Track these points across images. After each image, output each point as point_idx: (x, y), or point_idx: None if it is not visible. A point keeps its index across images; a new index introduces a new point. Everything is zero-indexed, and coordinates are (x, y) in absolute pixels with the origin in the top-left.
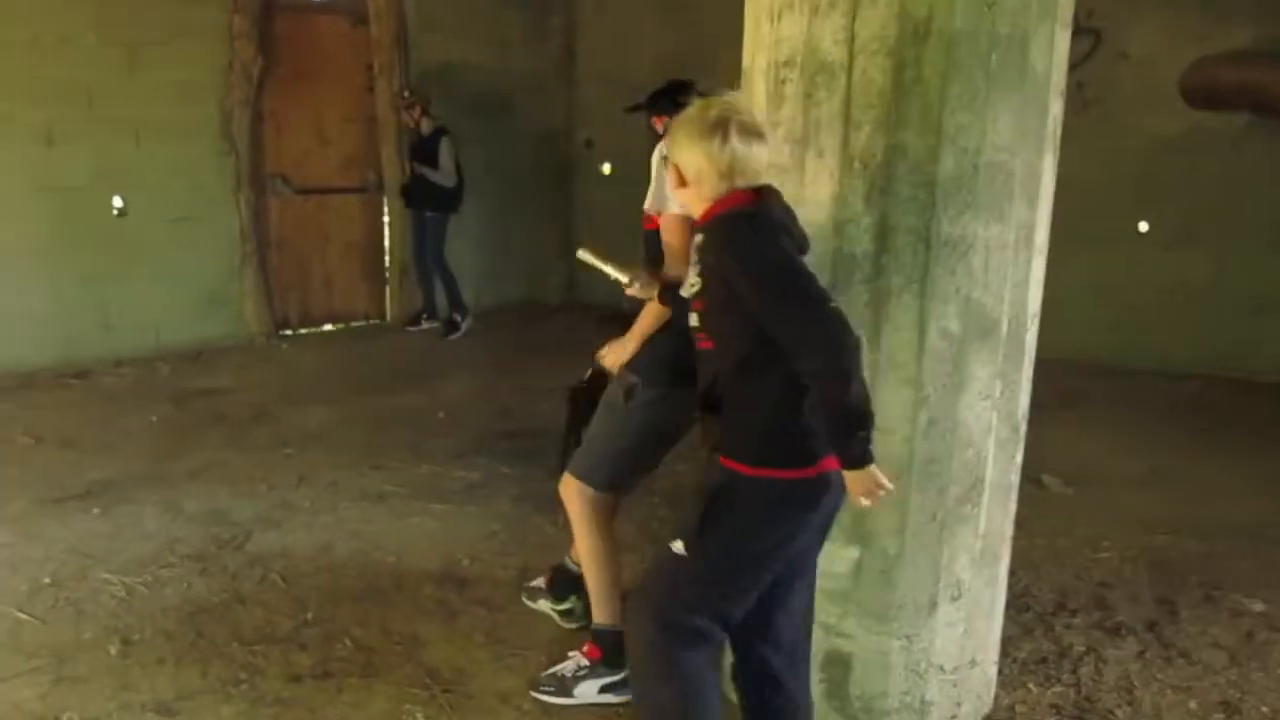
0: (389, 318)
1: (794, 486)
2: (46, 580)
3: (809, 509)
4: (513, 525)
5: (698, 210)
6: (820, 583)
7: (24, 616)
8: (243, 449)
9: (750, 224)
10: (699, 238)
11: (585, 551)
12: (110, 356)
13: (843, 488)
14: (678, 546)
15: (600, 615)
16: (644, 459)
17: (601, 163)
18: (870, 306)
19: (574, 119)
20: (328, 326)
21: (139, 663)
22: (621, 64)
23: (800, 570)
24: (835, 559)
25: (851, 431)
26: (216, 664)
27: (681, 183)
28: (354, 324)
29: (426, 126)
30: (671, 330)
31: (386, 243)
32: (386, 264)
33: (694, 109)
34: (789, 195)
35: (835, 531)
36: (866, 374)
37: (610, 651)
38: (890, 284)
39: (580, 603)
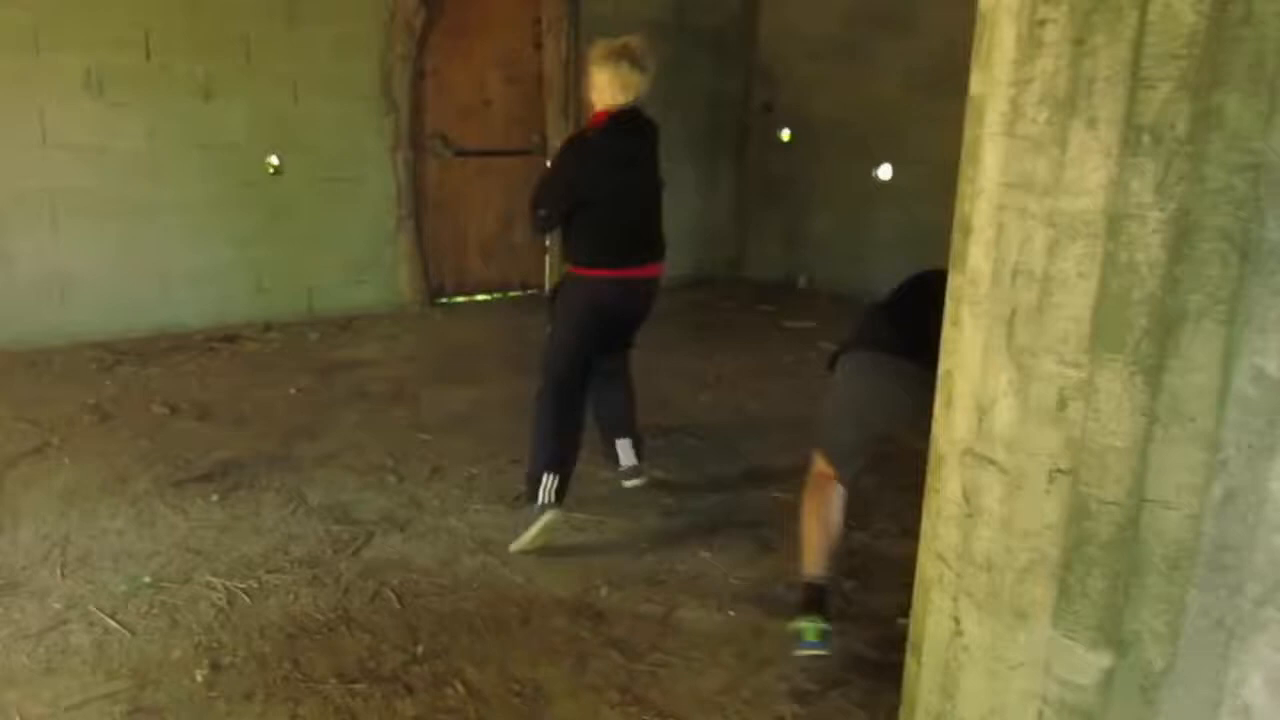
0: (547, 289)
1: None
2: (147, 580)
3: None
4: (662, 546)
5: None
6: (1059, 693)
7: (114, 624)
8: (379, 430)
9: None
10: None
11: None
12: (261, 320)
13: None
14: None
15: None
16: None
17: (780, 128)
18: (1151, 335)
19: (752, 80)
20: (482, 296)
21: (224, 695)
22: (809, 21)
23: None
24: (1079, 666)
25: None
26: (309, 703)
27: None
28: (511, 294)
29: None
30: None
31: None
32: None
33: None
34: (1039, 175)
35: (1080, 630)
36: (1142, 421)
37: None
38: (1185, 305)
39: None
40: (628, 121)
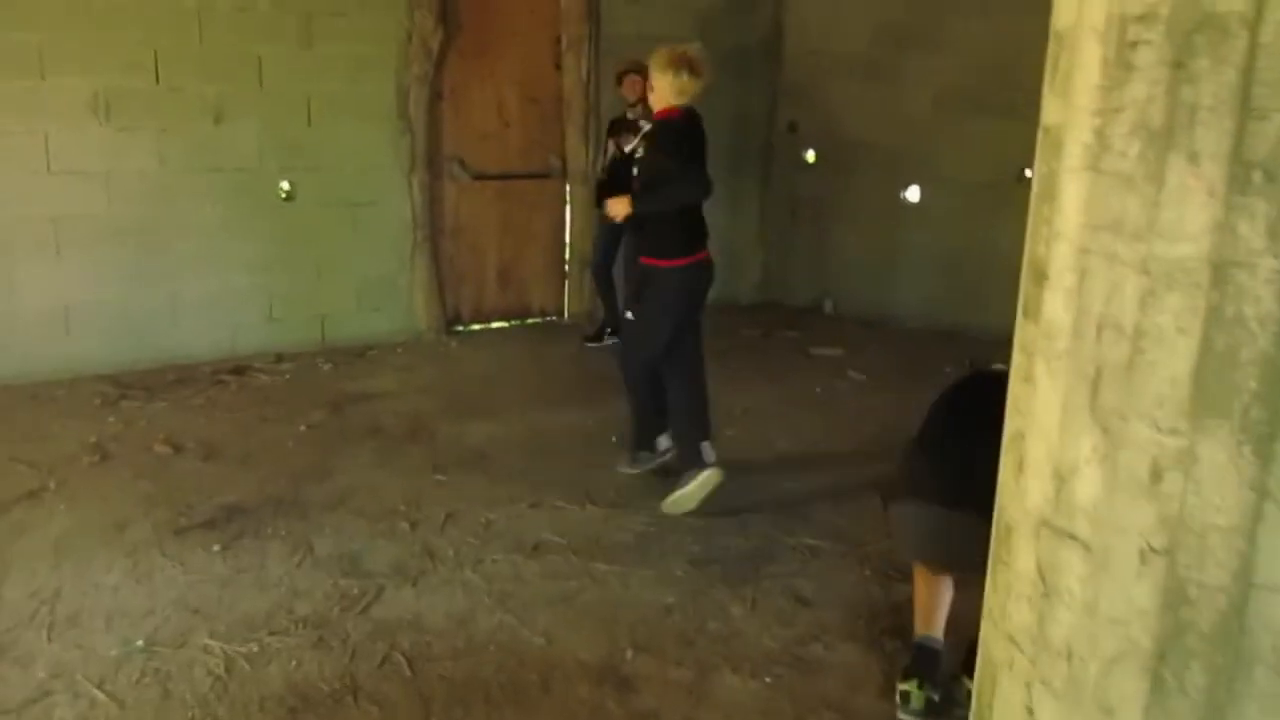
0: (567, 315)
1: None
2: (140, 643)
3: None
4: (690, 600)
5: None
6: None
7: (101, 696)
8: (393, 470)
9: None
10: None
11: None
12: (272, 349)
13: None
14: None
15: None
16: None
17: (805, 149)
18: (1262, 400)
19: (777, 100)
20: (500, 323)
21: None
22: (835, 39)
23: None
24: None
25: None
26: None
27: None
28: (529, 320)
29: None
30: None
31: (567, 234)
32: (566, 257)
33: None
34: (1131, 216)
35: None
36: (1251, 496)
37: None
38: None
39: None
40: (689, 117)
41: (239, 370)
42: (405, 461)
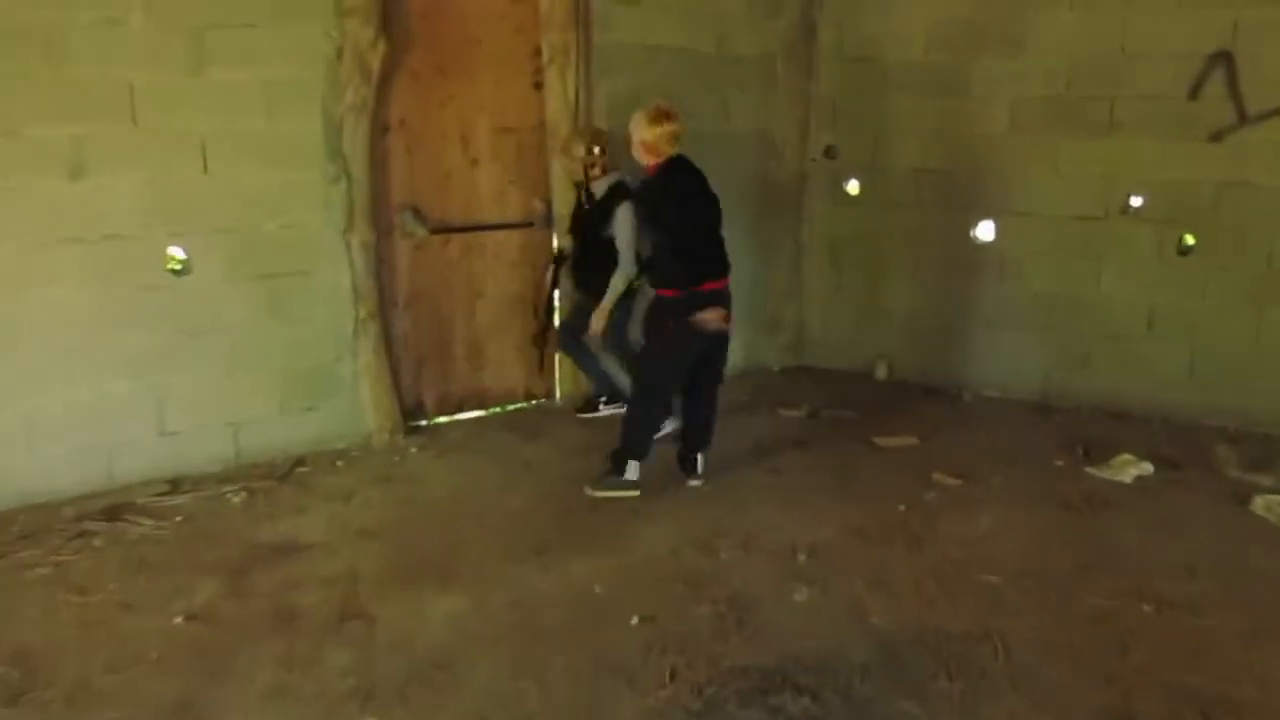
0: (559, 396)
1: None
2: None
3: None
4: None
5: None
6: None
7: None
8: (299, 698)
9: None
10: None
11: None
12: (165, 475)
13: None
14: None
15: None
16: None
17: (847, 178)
18: None
19: (809, 121)
20: (473, 412)
21: None
22: (883, 41)
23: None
24: None
25: None
26: None
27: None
28: (511, 407)
29: (600, 186)
30: None
31: (556, 296)
32: (557, 324)
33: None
34: None
35: None
36: None
37: None
38: None
39: None
40: (683, 164)
41: (113, 513)
42: (321, 676)
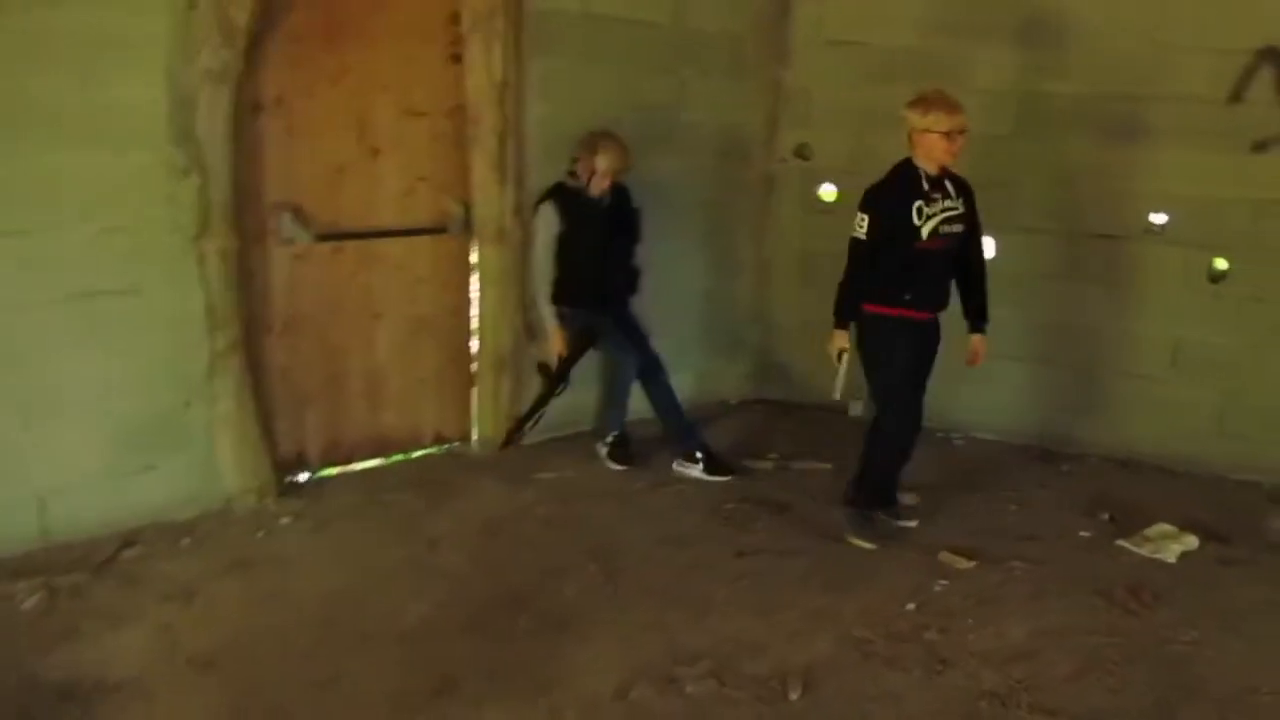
0: (475, 439)
1: None
2: None
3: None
4: None
5: None
6: None
7: None
8: None
9: None
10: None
11: None
12: None
13: None
14: None
15: None
16: None
17: (820, 182)
18: None
19: (779, 114)
20: (370, 461)
21: None
22: (868, 24)
23: None
24: None
25: None
26: None
27: None
28: (417, 454)
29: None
30: None
31: (475, 317)
32: (474, 351)
33: None
34: None
35: None
36: None
37: None
38: None
39: None
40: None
41: None
42: None
